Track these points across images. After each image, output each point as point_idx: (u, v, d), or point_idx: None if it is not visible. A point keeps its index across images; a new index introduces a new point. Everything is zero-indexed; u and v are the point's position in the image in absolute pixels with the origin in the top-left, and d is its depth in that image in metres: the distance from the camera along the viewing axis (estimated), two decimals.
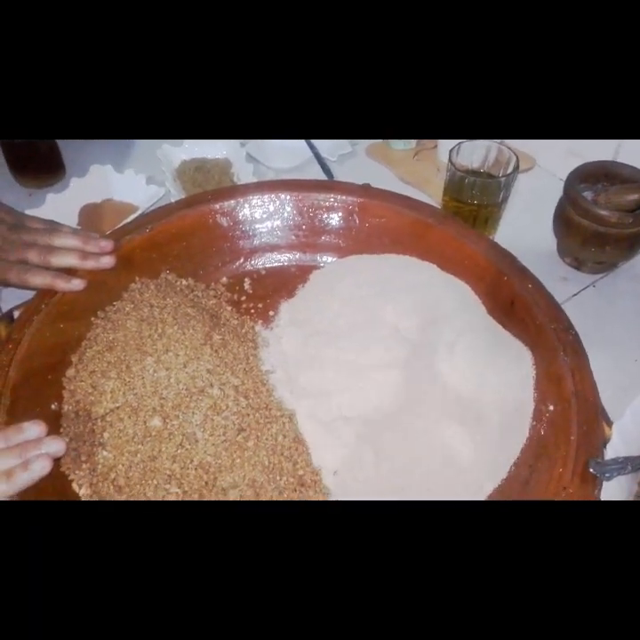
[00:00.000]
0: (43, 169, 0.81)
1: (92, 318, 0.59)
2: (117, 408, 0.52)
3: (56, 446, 0.47)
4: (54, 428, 0.52)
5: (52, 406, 0.54)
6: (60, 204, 0.75)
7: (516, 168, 0.68)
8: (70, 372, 0.56)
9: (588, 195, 0.70)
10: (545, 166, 0.86)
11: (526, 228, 0.76)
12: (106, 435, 0.51)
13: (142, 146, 0.90)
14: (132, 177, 0.79)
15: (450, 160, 0.69)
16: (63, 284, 0.57)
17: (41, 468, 0.45)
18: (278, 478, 0.52)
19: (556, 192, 0.72)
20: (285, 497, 0.51)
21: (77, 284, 0.58)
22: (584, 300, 0.71)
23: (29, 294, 0.59)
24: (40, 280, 0.57)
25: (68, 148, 0.84)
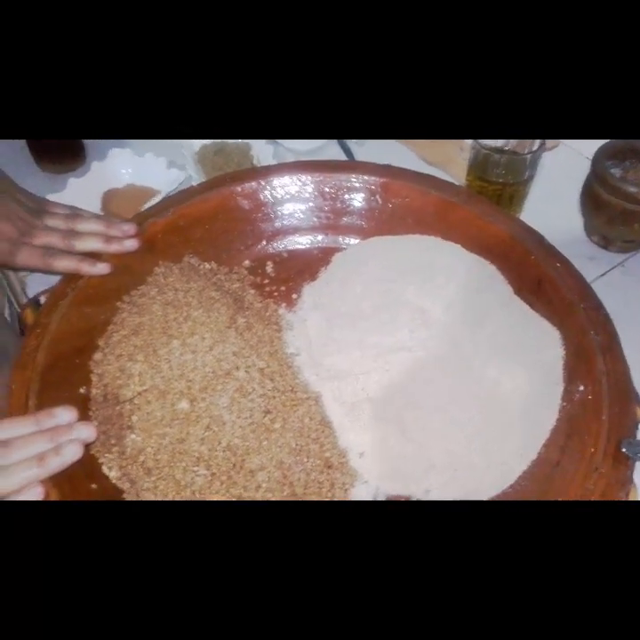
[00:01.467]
0: (64, 153, 0.80)
1: (118, 303, 0.59)
2: (145, 391, 0.52)
3: (87, 432, 0.47)
4: (83, 411, 0.52)
5: (81, 390, 0.54)
6: (81, 189, 0.74)
7: (543, 145, 0.67)
8: (97, 355, 0.56)
9: (615, 172, 0.68)
10: (570, 144, 0.84)
11: (552, 206, 0.74)
12: (134, 418, 0.51)
13: None
14: (153, 161, 0.78)
15: None
16: (89, 268, 0.58)
17: (73, 454, 0.46)
18: (305, 460, 0.52)
19: (582, 170, 0.71)
20: (313, 479, 0.51)
21: (103, 268, 0.58)
22: (612, 280, 0.69)
23: (54, 280, 0.59)
24: (65, 264, 0.57)
25: None
